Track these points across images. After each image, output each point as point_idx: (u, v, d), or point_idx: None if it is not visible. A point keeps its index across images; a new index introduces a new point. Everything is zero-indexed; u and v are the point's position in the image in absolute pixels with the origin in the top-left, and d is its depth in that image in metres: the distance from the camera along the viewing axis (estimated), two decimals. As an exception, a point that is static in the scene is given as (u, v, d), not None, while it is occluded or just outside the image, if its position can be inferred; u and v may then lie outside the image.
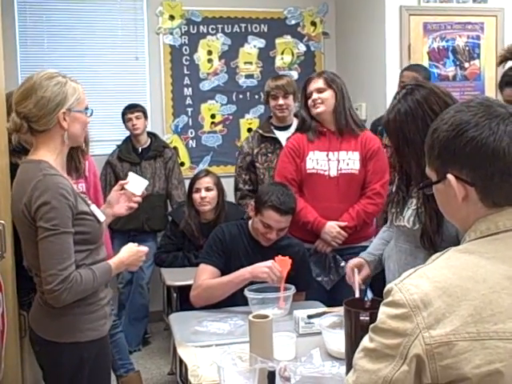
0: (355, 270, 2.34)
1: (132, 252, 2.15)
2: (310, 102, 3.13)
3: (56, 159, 1.99)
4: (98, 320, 2.03)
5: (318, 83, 3.12)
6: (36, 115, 1.93)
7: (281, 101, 3.71)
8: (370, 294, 2.29)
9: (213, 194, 3.73)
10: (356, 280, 2.29)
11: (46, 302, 1.95)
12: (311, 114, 3.16)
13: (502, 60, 3.14)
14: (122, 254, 2.13)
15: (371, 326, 1.13)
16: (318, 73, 3.26)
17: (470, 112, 1.14)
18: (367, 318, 1.73)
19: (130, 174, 2.37)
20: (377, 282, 2.41)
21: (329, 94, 3.11)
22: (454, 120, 1.15)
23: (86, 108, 2.05)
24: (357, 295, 2.22)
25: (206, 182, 3.75)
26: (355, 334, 1.81)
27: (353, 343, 1.79)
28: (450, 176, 1.15)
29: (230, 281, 2.61)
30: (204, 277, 2.70)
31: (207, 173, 3.87)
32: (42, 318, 2.03)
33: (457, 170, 1.14)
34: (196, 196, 3.72)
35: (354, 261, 2.42)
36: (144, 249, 2.19)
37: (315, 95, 3.11)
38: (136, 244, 2.20)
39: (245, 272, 2.58)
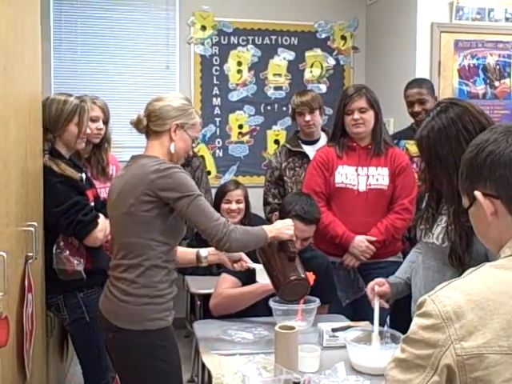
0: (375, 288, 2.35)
1: (282, 222, 2.41)
2: (349, 119, 3.11)
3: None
4: (164, 311, 2.21)
5: (361, 102, 3.10)
6: (156, 115, 2.24)
7: (307, 117, 3.72)
8: (376, 303, 2.30)
9: (242, 206, 3.80)
10: (375, 297, 2.32)
11: (117, 292, 2.19)
12: (343, 128, 3.16)
13: None
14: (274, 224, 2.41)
15: (403, 336, 1.14)
16: (357, 88, 3.20)
17: (490, 132, 1.21)
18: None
19: (257, 267, 2.52)
20: (398, 310, 2.40)
21: (371, 115, 3.11)
22: (475, 141, 1.22)
23: (195, 138, 2.39)
24: (376, 311, 2.26)
25: (238, 194, 3.81)
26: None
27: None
28: (476, 193, 1.18)
29: (251, 291, 2.62)
30: (225, 286, 2.72)
31: (237, 185, 3.91)
32: (114, 308, 2.21)
33: (482, 185, 1.18)
34: (225, 207, 3.77)
35: (375, 280, 2.40)
36: (290, 222, 2.42)
37: (357, 115, 3.09)
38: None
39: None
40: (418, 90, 3.61)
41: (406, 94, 3.69)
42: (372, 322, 2.33)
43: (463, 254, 1.95)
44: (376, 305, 2.28)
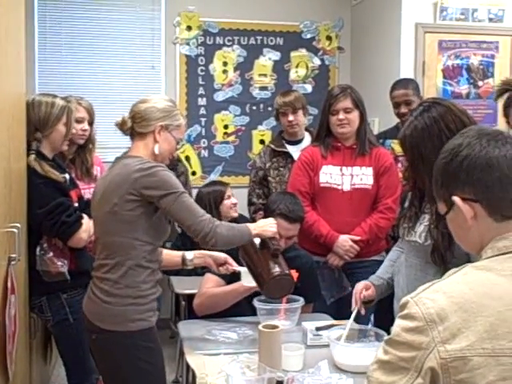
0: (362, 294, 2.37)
1: (265, 220, 2.45)
2: (334, 119, 3.12)
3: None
4: (147, 312, 2.20)
5: (346, 102, 3.11)
6: (141, 117, 2.24)
7: (290, 117, 3.73)
8: (354, 311, 2.31)
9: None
10: (358, 299, 2.34)
11: (100, 293, 2.18)
12: (328, 128, 3.17)
13: (502, 92, 3.08)
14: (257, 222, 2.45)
15: (385, 338, 1.14)
16: (342, 88, 3.20)
17: (462, 136, 1.21)
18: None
19: (243, 270, 2.51)
20: (381, 308, 2.42)
21: (355, 115, 3.13)
22: (448, 146, 1.23)
23: (179, 140, 2.35)
24: (354, 311, 2.31)
25: (230, 191, 4.00)
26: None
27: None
28: (455, 198, 1.18)
29: (235, 289, 2.62)
30: (208, 285, 2.72)
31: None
32: (97, 309, 2.20)
33: (460, 190, 1.18)
34: (228, 203, 3.92)
35: (361, 284, 2.42)
36: (273, 220, 2.45)
37: (342, 115, 3.10)
38: None
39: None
40: (404, 92, 3.63)
41: (392, 95, 3.71)
42: (358, 323, 2.38)
43: (445, 253, 1.96)
44: (355, 311, 2.31)
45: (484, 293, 1.08)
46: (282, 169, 3.79)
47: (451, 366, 1.04)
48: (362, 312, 2.36)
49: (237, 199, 4.00)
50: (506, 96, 2.97)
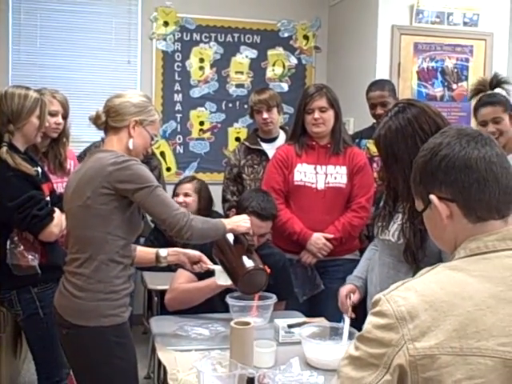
0: (348, 298, 2.36)
1: (239, 216, 2.48)
2: (310, 118, 3.13)
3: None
4: (119, 307, 2.19)
5: (321, 102, 3.12)
6: (115, 111, 2.23)
7: (265, 115, 3.73)
8: (347, 319, 2.28)
9: (190, 199, 3.79)
10: (347, 307, 2.33)
11: (72, 288, 2.16)
12: (303, 126, 3.17)
13: (475, 93, 3.13)
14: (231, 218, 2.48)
15: (357, 334, 1.15)
16: (317, 87, 3.21)
17: (442, 136, 1.22)
18: None
19: (217, 269, 2.49)
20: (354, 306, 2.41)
21: (330, 115, 3.14)
22: (428, 145, 1.23)
23: (154, 136, 2.34)
24: (346, 320, 2.25)
25: (187, 188, 3.85)
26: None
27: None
28: (432, 196, 1.19)
29: (207, 285, 2.61)
30: (180, 281, 2.71)
31: (191, 179, 3.94)
32: (68, 304, 2.18)
33: (437, 189, 1.19)
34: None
35: (346, 288, 2.41)
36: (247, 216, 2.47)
37: (317, 114, 3.11)
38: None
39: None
40: (380, 93, 3.65)
41: (368, 96, 3.73)
42: (330, 320, 2.40)
43: (417, 251, 1.98)
44: (347, 320, 2.25)
45: (455, 292, 1.09)
46: (256, 166, 3.79)
47: (419, 363, 1.05)
48: (353, 316, 2.31)
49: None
50: (478, 97, 3.02)
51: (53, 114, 3.16)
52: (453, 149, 1.18)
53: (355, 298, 2.37)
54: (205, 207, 3.82)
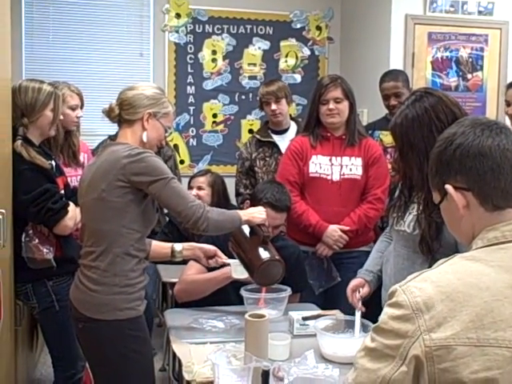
0: (356, 292, 2.35)
1: (254, 208, 2.46)
2: (324, 108, 3.11)
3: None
4: (134, 301, 2.19)
5: (336, 92, 3.10)
6: (129, 104, 2.22)
7: (273, 106, 3.72)
8: (358, 313, 2.27)
9: (203, 193, 3.76)
10: (356, 301, 2.32)
11: (87, 282, 2.16)
12: (318, 117, 3.15)
13: None
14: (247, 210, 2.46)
15: (373, 325, 1.14)
16: (332, 78, 3.19)
17: (457, 125, 1.22)
18: None
19: (232, 262, 2.48)
20: (368, 299, 2.40)
21: (345, 105, 3.12)
22: (443, 135, 1.23)
23: (168, 128, 2.33)
24: (357, 314, 2.25)
25: (200, 181, 3.82)
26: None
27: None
28: (447, 186, 1.19)
29: (215, 277, 2.61)
30: (190, 272, 2.70)
31: (205, 172, 3.91)
32: (84, 297, 2.18)
33: (452, 178, 1.19)
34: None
35: (354, 282, 2.40)
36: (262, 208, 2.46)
37: (332, 105, 3.09)
38: None
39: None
40: (394, 84, 3.62)
41: (382, 87, 3.70)
42: (345, 313, 2.39)
43: (432, 242, 1.97)
44: (358, 314, 2.25)
45: (471, 283, 1.08)
46: (268, 159, 3.78)
47: (435, 354, 1.04)
48: (363, 309, 2.30)
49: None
50: None
51: (73, 108, 3.17)
52: (467, 138, 1.18)
53: (364, 291, 2.36)
54: (219, 201, 3.79)
